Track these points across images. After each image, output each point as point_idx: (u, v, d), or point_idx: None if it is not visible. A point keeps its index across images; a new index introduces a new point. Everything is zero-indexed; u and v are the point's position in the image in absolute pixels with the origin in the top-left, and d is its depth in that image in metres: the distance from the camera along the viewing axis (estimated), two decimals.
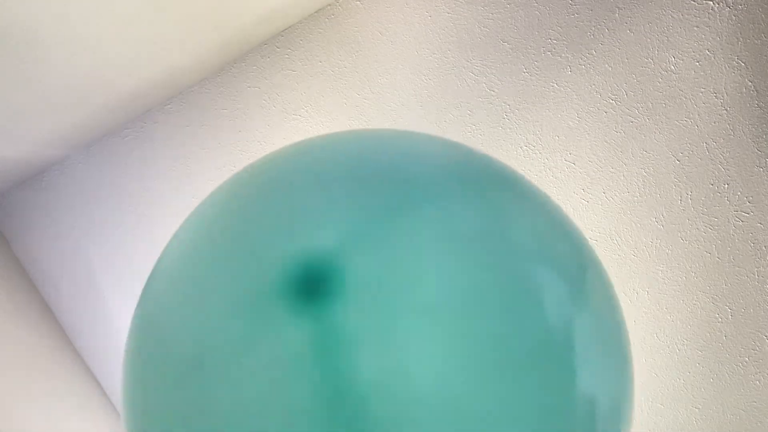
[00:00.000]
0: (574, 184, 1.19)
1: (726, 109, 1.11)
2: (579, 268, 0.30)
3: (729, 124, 1.12)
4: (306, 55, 1.21)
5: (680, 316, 1.23)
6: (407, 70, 1.19)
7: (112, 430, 1.37)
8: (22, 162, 1.20)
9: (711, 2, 1.07)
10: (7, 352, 1.19)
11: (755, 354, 1.23)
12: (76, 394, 1.33)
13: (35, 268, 1.36)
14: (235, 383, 0.32)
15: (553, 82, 1.15)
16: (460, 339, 0.29)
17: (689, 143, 1.14)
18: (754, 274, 1.19)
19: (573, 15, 1.12)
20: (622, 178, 1.18)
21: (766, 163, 1.13)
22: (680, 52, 1.10)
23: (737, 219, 1.16)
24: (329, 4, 1.18)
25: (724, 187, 1.15)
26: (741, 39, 1.08)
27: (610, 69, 1.13)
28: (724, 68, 1.10)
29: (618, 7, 1.11)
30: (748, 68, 1.09)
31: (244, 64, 1.22)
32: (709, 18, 1.08)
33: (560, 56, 1.14)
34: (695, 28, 1.09)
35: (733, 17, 1.07)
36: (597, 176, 1.19)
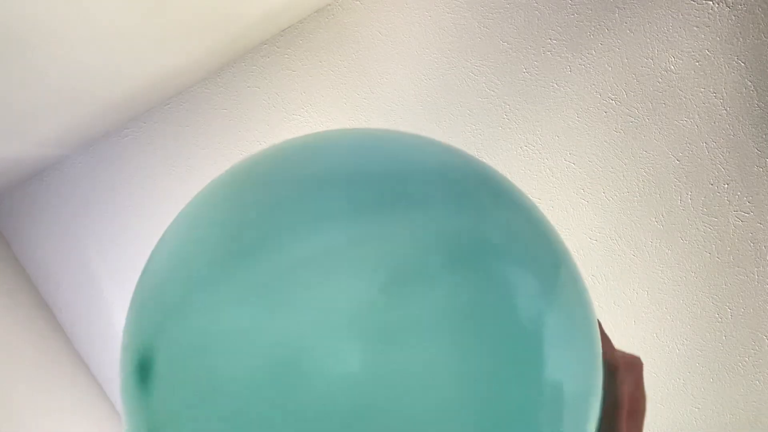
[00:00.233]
0: (574, 184, 1.19)
1: (726, 109, 1.11)
2: (553, 266, 0.29)
3: (729, 124, 1.12)
4: (306, 55, 1.21)
5: (680, 316, 1.23)
6: (407, 70, 1.19)
7: (112, 430, 1.37)
8: (22, 162, 1.20)
9: (711, 2, 1.07)
10: (6, 351, 1.19)
11: (755, 354, 1.23)
12: (76, 394, 1.33)
13: (35, 268, 1.36)
14: None
15: (553, 82, 1.15)
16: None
17: (689, 143, 1.14)
18: (754, 274, 1.19)
19: (573, 15, 1.12)
20: (622, 178, 1.18)
21: (766, 163, 1.13)
22: (680, 52, 1.10)
23: (737, 219, 1.16)
24: (329, 4, 1.18)
25: (724, 187, 1.15)
26: (741, 39, 1.08)
27: (610, 69, 1.13)
28: (723, 68, 1.10)
29: (618, 7, 1.11)
30: (747, 68, 1.09)
31: (244, 64, 1.22)
32: (709, 18, 1.08)
33: (560, 56, 1.14)
34: (695, 28, 1.09)
35: (733, 17, 1.07)
36: (597, 176, 1.18)
